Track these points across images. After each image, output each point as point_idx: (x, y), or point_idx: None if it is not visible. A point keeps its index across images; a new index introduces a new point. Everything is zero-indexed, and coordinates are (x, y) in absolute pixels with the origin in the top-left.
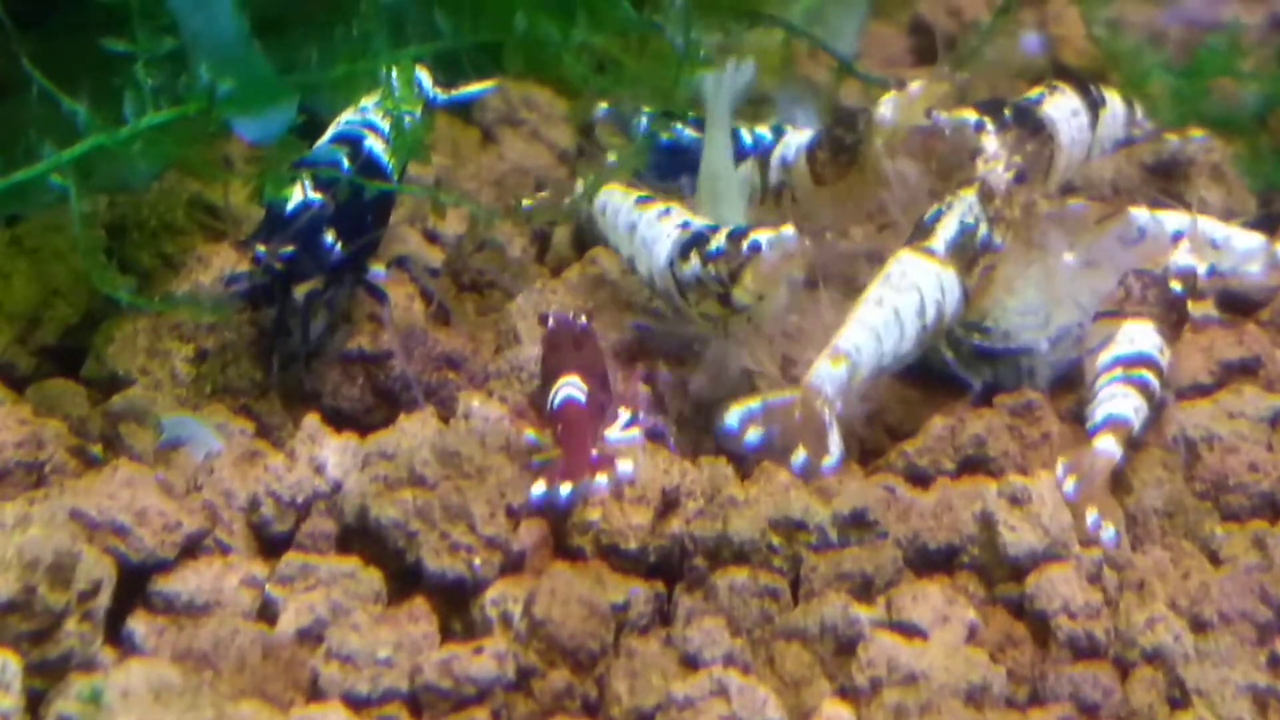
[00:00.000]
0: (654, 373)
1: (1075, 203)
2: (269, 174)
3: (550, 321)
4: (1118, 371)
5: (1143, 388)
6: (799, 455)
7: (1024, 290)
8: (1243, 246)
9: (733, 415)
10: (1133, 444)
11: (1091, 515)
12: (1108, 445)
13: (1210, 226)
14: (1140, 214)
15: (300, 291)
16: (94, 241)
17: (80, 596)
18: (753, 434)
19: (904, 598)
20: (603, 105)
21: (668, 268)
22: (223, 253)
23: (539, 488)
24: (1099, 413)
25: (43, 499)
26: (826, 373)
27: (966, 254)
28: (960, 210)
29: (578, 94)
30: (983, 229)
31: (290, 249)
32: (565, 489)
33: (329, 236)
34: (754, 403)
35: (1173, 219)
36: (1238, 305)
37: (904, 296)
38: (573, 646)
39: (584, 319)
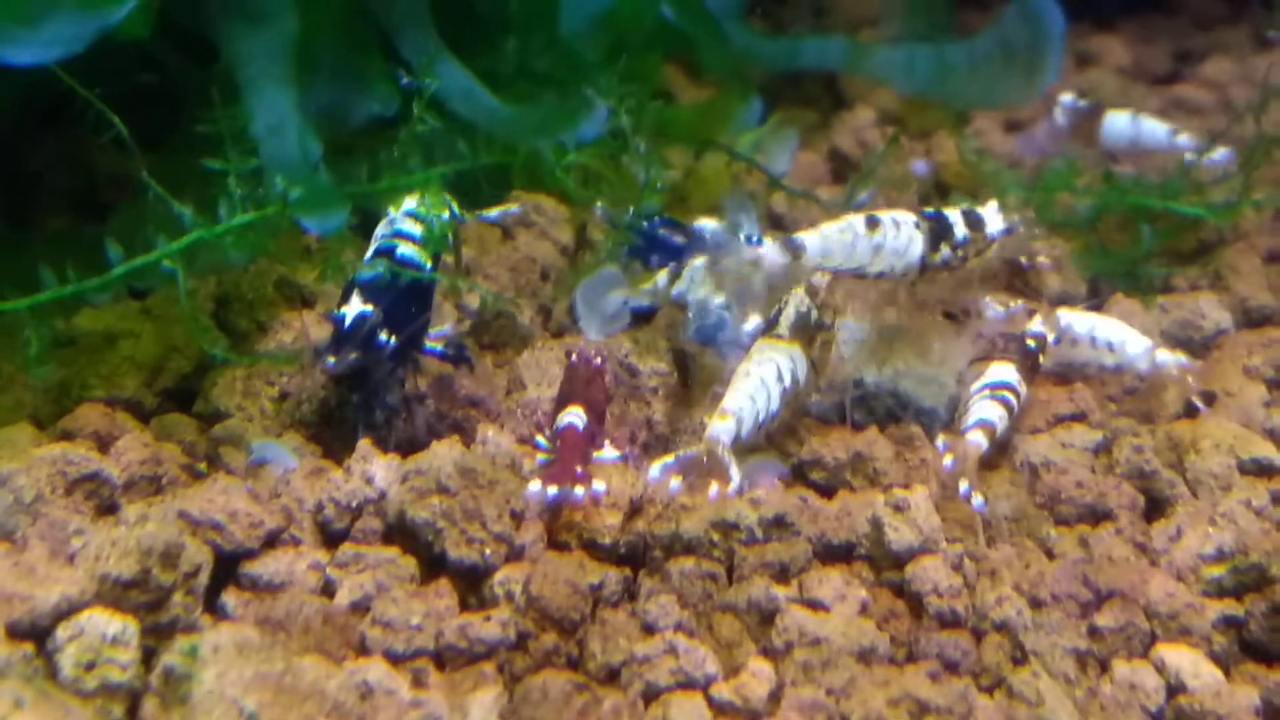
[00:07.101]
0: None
1: (1016, 304)
2: (330, 259)
3: (573, 356)
4: (986, 392)
5: (1004, 403)
6: (713, 489)
7: (925, 367)
8: (1134, 349)
9: (655, 468)
10: (994, 453)
11: (964, 485)
12: (977, 437)
13: (1110, 329)
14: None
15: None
16: (197, 311)
17: (185, 576)
18: (674, 483)
19: (812, 581)
20: (599, 205)
21: None
22: (301, 319)
23: (534, 486)
24: (970, 418)
25: (159, 502)
26: (720, 427)
27: (805, 333)
28: (794, 304)
29: (574, 203)
30: (814, 314)
31: (354, 355)
32: (552, 490)
33: (382, 335)
34: (669, 458)
35: (1071, 317)
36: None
37: (765, 368)
38: (559, 616)
39: (599, 359)
